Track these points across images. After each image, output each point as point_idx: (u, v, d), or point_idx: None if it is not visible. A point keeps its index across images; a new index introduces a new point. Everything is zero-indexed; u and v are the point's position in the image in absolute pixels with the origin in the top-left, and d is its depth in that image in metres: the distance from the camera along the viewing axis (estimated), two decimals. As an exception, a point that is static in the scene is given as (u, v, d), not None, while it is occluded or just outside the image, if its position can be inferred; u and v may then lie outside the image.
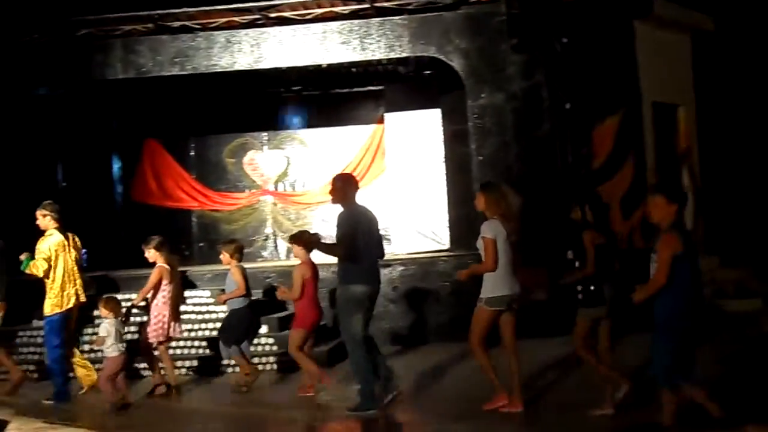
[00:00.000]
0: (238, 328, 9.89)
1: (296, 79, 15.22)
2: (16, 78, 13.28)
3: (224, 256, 10.12)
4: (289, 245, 9.76)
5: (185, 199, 16.68)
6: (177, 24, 12.58)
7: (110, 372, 8.99)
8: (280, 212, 16.78)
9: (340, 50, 12.71)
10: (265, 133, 16.83)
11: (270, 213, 16.76)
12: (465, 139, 13.02)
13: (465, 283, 7.99)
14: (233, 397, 9.74)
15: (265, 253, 16.60)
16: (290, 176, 16.80)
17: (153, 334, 9.74)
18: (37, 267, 9.45)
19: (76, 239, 9.93)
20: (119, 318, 9.09)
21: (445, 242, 15.03)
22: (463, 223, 13.57)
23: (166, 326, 9.77)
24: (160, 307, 9.78)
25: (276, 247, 16.65)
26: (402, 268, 12.62)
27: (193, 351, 11.47)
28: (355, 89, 16.11)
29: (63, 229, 9.72)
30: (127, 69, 12.90)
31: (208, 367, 11.20)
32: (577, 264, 7.67)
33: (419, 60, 13.94)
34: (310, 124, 16.83)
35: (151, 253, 9.86)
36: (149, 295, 9.89)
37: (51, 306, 9.46)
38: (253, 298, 10.26)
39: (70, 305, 9.56)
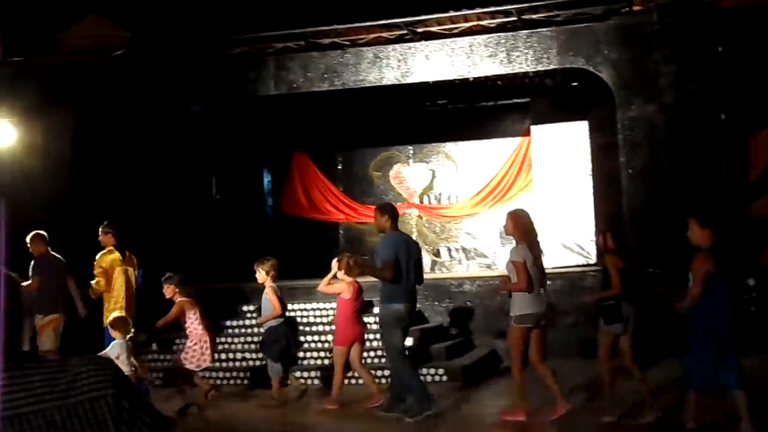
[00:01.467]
0: (275, 346, 9.86)
1: (442, 92, 15.28)
2: (173, 96, 13.89)
3: (259, 274, 9.91)
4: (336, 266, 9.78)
5: (332, 211, 17.01)
6: (327, 41, 12.87)
7: None
8: (425, 225, 16.87)
9: (486, 63, 12.69)
10: (411, 147, 16.98)
11: (415, 226, 16.86)
12: (614, 152, 12.74)
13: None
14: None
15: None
16: (435, 189, 16.89)
17: (189, 362, 9.69)
18: (98, 283, 10.13)
19: (133, 258, 10.47)
20: (127, 338, 8.95)
21: (591, 257, 14.74)
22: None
23: (201, 354, 9.71)
24: (196, 335, 9.71)
25: (421, 259, 16.71)
26: (548, 282, 12.41)
27: (318, 361, 11.58)
28: (501, 102, 16.04)
29: (121, 247, 10.33)
30: (279, 85, 13.25)
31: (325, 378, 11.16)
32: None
33: (567, 72, 13.74)
34: (455, 137, 16.86)
35: (169, 290, 9.71)
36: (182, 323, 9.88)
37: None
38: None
39: None
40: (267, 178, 17.43)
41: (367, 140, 16.89)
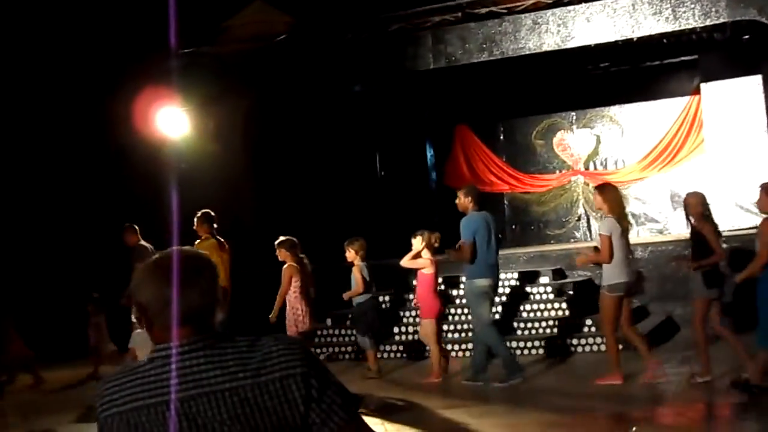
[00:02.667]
0: (363, 320, 10.34)
1: (604, 55, 14.87)
2: (335, 77, 14.16)
3: (349, 253, 10.32)
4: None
5: (496, 182, 16.92)
6: (484, 10, 12.78)
7: None
8: (591, 192, 16.48)
9: (650, 22, 12.27)
10: (574, 113, 16.64)
11: (581, 193, 16.56)
12: (792, 106, 12.10)
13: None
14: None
15: (577, 234, 16.44)
16: (601, 155, 16.50)
17: (290, 328, 9.88)
18: None
19: (226, 245, 10.80)
20: None
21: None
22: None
23: (301, 318, 9.90)
24: (291, 301, 9.91)
25: (589, 227, 16.42)
26: (724, 245, 11.95)
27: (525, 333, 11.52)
28: (667, 61, 15.46)
29: (216, 234, 10.73)
30: (438, 59, 13.27)
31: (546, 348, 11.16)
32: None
33: (737, 25, 13.09)
34: (619, 100, 16.35)
35: (281, 254, 9.92)
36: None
37: None
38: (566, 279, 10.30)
39: None
40: (430, 152, 17.52)
41: (529, 108, 16.67)
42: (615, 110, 16.42)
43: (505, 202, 17.04)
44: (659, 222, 16.01)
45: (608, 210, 8.72)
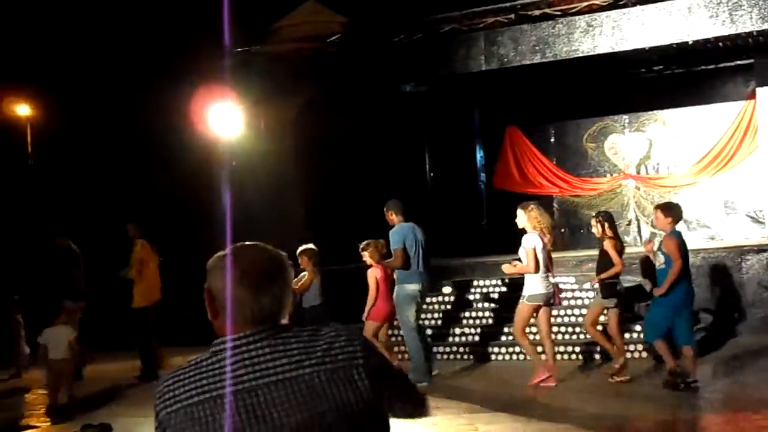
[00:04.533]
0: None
1: (658, 58, 14.71)
2: (386, 77, 14.18)
3: (302, 261, 9.92)
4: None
5: (546, 185, 16.82)
6: (538, 12, 12.72)
7: None
8: (642, 196, 16.35)
9: (706, 25, 12.10)
10: (626, 116, 16.48)
11: (632, 197, 16.39)
12: None
13: None
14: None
15: (627, 239, 16.25)
16: (653, 159, 16.32)
17: None
18: (132, 271, 11.35)
19: (155, 247, 11.61)
20: None
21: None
22: None
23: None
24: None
25: (639, 232, 16.26)
26: (780, 252, 11.80)
27: (566, 337, 11.51)
28: (722, 65, 15.23)
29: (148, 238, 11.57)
30: (490, 60, 13.23)
31: (585, 353, 11.17)
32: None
33: (795, 28, 12.88)
34: (673, 103, 16.15)
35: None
36: None
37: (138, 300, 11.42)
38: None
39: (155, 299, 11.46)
40: (479, 154, 17.47)
41: (580, 110, 16.54)
42: (668, 114, 16.23)
43: (555, 205, 16.91)
44: (711, 228, 15.79)
45: (531, 226, 9.48)
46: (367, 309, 9.98)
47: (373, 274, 10.07)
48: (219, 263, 2.29)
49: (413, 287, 9.84)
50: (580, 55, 12.78)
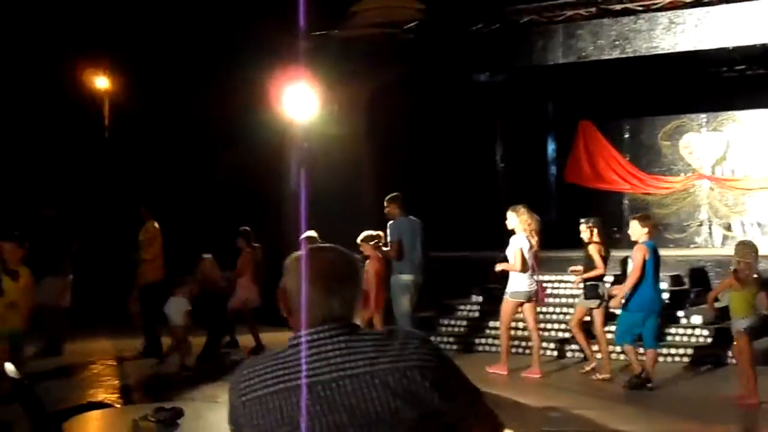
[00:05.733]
0: None
1: (740, 57, 14.39)
2: (459, 65, 14.13)
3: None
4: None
5: (617, 181, 16.60)
6: (619, 7, 12.51)
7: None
8: (716, 198, 16.03)
9: (794, 26, 11.79)
10: (704, 115, 16.13)
11: (706, 198, 16.08)
12: None
13: None
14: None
15: (698, 240, 16.00)
16: (729, 160, 15.96)
17: None
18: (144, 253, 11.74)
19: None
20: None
21: None
22: None
23: None
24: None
25: (711, 233, 15.96)
26: None
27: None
28: (806, 67, 14.83)
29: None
30: (568, 53, 13.07)
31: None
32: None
33: None
34: (753, 105, 15.74)
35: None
36: None
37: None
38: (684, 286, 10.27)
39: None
40: (551, 147, 17.33)
41: (657, 108, 16.25)
42: (747, 115, 15.85)
43: (625, 201, 16.68)
44: (785, 233, 15.44)
45: (522, 228, 10.04)
46: (371, 299, 10.22)
47: (372, 266, 10.29)
48: (294, 264, 2.38)
49: (407, 277, 10.37)
50: (661, 52, 12.54)
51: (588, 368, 10.20)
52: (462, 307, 12.87)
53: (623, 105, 16.44)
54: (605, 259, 10.18)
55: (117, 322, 13.11)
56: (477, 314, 12.60)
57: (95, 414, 4.33)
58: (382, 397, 2.19)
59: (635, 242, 9.39)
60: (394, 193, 10.77)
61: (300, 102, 13.25)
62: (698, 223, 16.05)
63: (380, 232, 10.55)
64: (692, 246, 15.79)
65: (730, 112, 15.99)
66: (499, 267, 10.25)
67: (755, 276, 8.64)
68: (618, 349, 10.14)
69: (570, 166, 16.98)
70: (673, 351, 10.90)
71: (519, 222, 10.09)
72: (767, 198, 15.45)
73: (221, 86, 14.52)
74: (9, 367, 4.79)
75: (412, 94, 14.49)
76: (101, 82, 18.21)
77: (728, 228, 15.83)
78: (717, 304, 9.30)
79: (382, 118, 14.25)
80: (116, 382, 10.24)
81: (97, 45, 16.52)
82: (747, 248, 8.76)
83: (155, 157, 16.34)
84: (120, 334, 13.00)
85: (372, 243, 10.38)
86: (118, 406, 4.36)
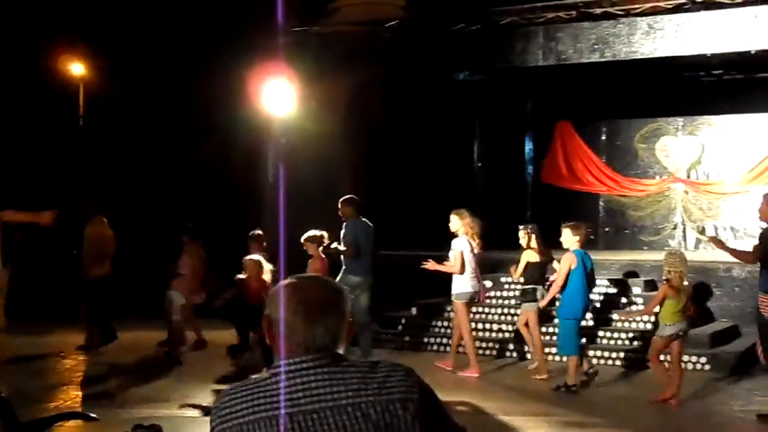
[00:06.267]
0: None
1: (718, 63, 14.47)
2: (439, 64, 14.13)
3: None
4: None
5: (593, 182, 16.66)
6: (599, 11, 12.56)
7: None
8: (691, 201, 16.14)
9: (771, 35, 11.87)
10: (681, 119, 16.21)
11: (680, 201, 16.18)
12: None
13: None
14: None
15: (672, 243, 16.07)
16: (704, 164, 16.06)
17: None
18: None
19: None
20: None
21: None
22: None
23: None
24: None
25: (684, 237, 16.08)
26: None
27: (610, 342, 11.35)
28: (783, 73, 14.94)
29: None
30: (548, 56, 13.11)
31: (635, 360, 10.88)
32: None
33: None
34: (729, 109, 15.82)
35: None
36: None
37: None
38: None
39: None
40: (528, 146, 17.37)
41: (634, 110, 16.32)
42: (723, 119, 15.94)
43: (601, 203, 16.76)
44: (757, 238, 15.51)
45: (464, 231, 10.20)
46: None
47: (314, 266, 10.28)
48: (276, 294, 2.38)
49: (356, 279, 10.43)
50: (640, 56, 12.63)
51: (532, 367, 10.51)
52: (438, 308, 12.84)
53: (601, 107, 16.50)
54: (545, 264, 10.39)
55: (62, 316, 13.09)
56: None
57: (71, 425, 4.26)
58: (363, 429, 2.19)
59: (567, 249, 9.49)
60: (350, 195, 10.86)
61: (279, 97, 13.17)
62: (672, 227, 16.17)
63: (324, 232, 10.59)
64: (666, 249, 15.82)
65: (706, 117, 16.09)
66: (435, 266, 10.34)
67: (686, 284, 8.80)
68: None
69: (547, 166, 17.04)
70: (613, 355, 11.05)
71: (461, 225, 10.27)
72: (741, 202, 15.55)
73: (200, 79, 14.44)
74: None
75: (391, 92, 14.48)
76: (77, 68, 18.00)
77: (702, 232, 15.93)
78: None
79: (360, 115, 14.22)
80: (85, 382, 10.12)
81: (73, 30, 16.36)
82: (677, 258, 8.81)
83: (130, 147, 16.21)
84: (64, 328, 12.92)
85: (315, 243, 10.40)
86: (94, 415, 4.25)
